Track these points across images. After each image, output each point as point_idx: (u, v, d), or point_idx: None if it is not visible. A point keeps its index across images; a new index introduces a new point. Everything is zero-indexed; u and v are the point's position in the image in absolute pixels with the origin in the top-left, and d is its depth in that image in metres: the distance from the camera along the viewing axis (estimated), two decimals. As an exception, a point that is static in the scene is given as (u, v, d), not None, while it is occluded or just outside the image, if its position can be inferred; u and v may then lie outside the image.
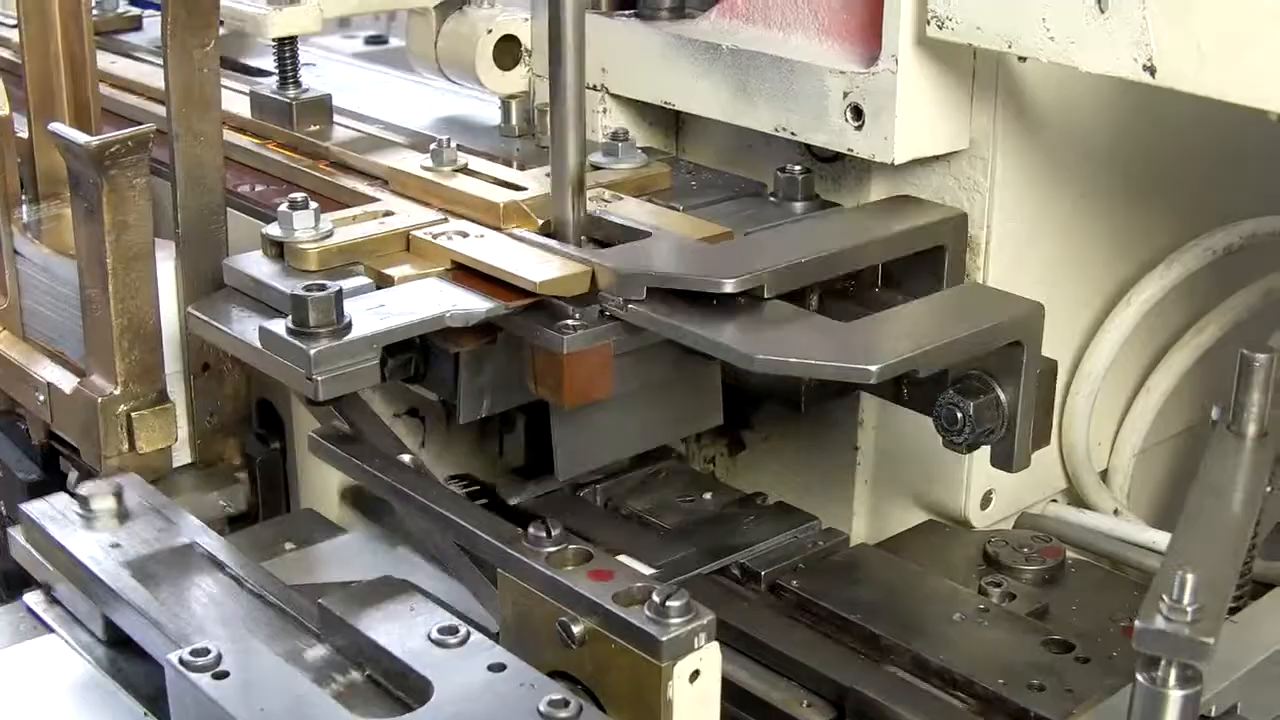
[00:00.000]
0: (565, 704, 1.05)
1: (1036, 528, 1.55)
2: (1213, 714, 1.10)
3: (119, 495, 1.36)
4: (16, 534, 1.38)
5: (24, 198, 1.66)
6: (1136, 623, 0.96)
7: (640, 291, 1.25)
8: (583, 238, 1.35)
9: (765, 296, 1.25)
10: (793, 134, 1.45)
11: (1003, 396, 1.25)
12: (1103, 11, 1.18)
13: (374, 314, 1.22)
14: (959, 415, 1.25)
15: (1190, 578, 0.95)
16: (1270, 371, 1.15)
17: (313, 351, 1.17)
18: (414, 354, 1.29)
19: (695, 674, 1.08)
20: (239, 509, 1.60)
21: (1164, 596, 0.96)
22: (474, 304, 1.25)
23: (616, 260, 1.29)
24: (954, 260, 1.42)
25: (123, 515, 1.35)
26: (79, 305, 1.49)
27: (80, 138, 1.41)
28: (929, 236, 1.40)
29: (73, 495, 1.37)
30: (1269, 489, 1.14)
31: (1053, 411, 1.33)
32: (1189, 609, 0.95)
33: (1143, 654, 0.97)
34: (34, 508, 1.36)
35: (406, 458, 1.36)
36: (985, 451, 1.28)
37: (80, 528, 1.34)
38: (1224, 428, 1.17)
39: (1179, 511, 1.10)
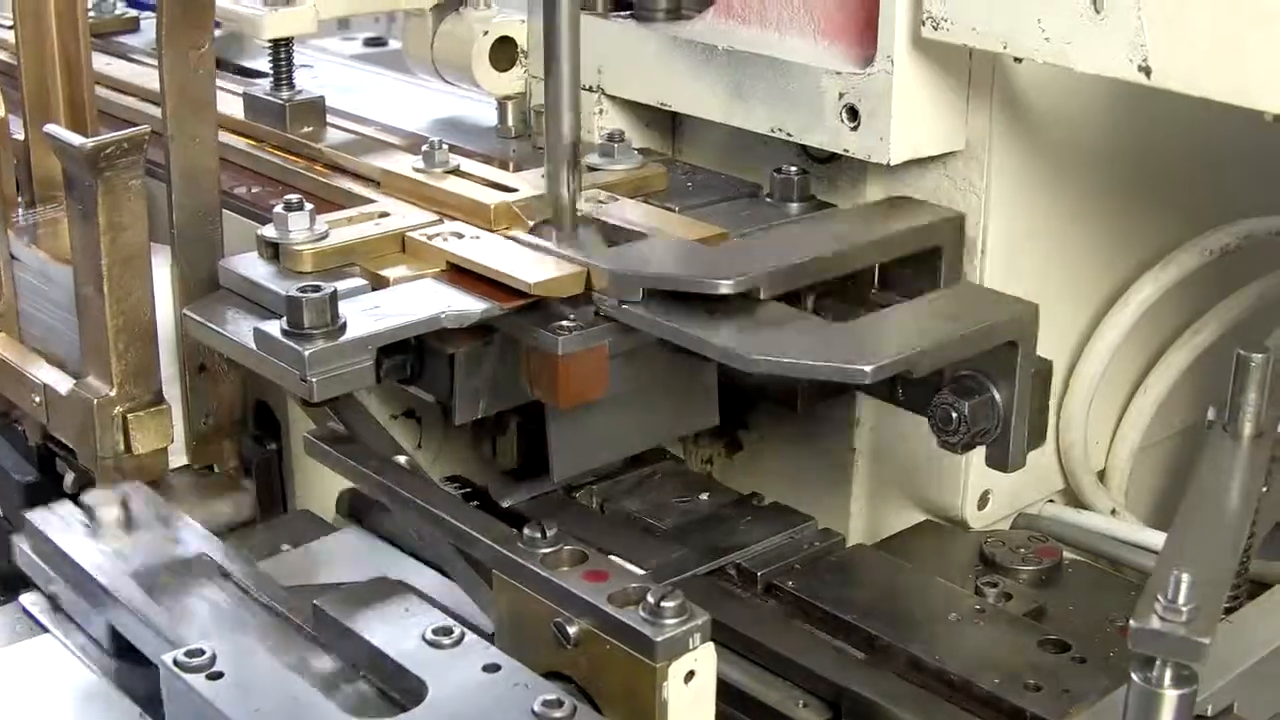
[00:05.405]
0: (559, 704, 1.05)
1: (1033, 528, 1.55)
2: (1209, 713, 1.09)
3: (124, 504, 1.36)
4: (20, 541, 1.38)
5: (20, 201, 1.66)
6: (1132, 623, 0.96)
7: (636, 292, 1.25)
8: (578, 239, 1.35)
9: (761, 297, 1.25)
10: (789, 135, 1.45)
11: (998, 397, 1.25)
12: (1098, 12, 1.18)
13: (369, 315, 1.22)
14: (954, 415, 1.25)
15: (1186, 578, 0.95)
16: (1266, 372, 1.15)
17: (307, 353, 1.17)
18: (409, 355, 1.29)
19: (690, 674, 1.08)
20: (242, 518, 1.60)
21: (1159, 596, 0.96)
22: (469, 305, 1.25)
23: (612, 261, 1.29)
24: (950, 261, 1.42)
25: (127, 523, 1.35)
26: (75, 310, 1.48)
27: (75, 139, 1.40)
28: (925, 237, 1.40)
29: (77, 503, 1.37)
30: (1265, 489, 1.14)
31: (1048, 412, 1.33)
32: (1184, 609, 0.95)
33: (1138, 654, 0.97)
34: (38, 516, 1.36)
35: (402, 459, 1.36)
36: (982, 452, 1.28)
37: (84, 535, 1.34)
38: (1220, 428, 1.17)
39: (1176, 512, 1.10)
